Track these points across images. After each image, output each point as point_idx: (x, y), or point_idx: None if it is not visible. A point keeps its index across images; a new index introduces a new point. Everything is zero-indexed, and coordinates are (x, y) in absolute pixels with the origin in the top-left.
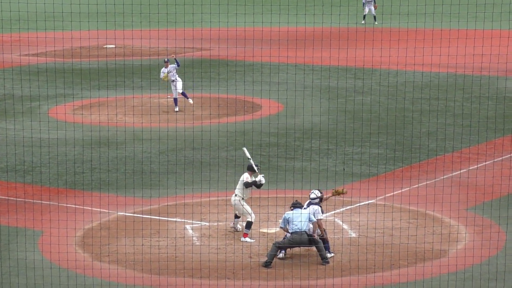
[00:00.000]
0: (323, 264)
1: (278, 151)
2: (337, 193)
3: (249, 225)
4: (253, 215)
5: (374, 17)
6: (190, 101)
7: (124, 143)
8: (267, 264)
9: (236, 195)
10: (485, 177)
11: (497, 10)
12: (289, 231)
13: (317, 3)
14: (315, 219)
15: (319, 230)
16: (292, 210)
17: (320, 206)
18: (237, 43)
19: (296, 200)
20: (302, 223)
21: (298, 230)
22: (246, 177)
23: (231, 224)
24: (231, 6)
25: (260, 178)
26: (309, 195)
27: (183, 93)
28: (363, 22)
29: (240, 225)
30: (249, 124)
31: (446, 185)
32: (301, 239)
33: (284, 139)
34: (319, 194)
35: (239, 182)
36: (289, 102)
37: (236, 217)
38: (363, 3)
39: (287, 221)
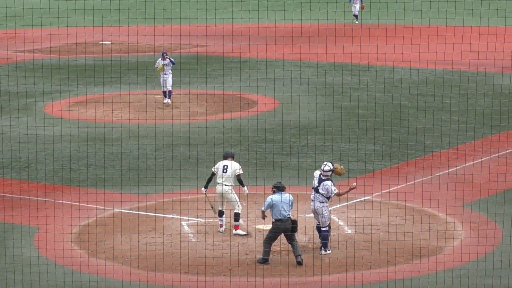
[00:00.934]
0: (298, 263)
1: (274, 147)
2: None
3: (238, 216)
4: (240, 205)
5: (356, 16)
6: (169, 102)
7: (120, 139)
8: (264, 261)
9: (226, 185)
10: (481, 174)
11: (493, 7)
12: (272, 217)
13: (313, 0)
14: (290, 213)
15: (324, 217)
16: (274, 193)
17: (331, 180)
18: (233, 40)
19: (279, 182)
20: (286, 210)
21: (282, 218)
22: (240, 168)
23: (221, 229)
24: (227, 2)
25: (246, 189)
26: (323, 168)
27: (169, 91)
28: (356, 22)
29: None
30: (245, 120)
31: (442, 181)
32: (285, 226)
33: (280, 136)
34: (331, 167)
35: (230, 171)
36: (285, 99)
37: (220, 215)
38: (350, 0)
39: (270, 206)
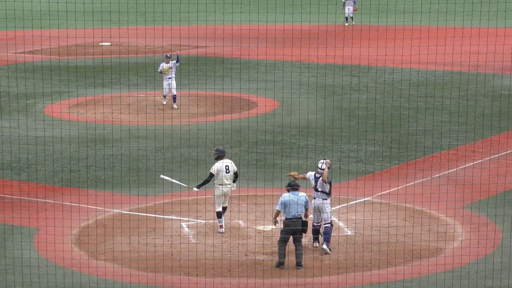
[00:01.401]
0: (297, 268)
1: (274, 148)
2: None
3: (225, 209)
4: None
5: (352, 18)
6: (175, 106)
7: (119, 140)
8: (279, 264)
9: (230, 184)
10: (481, 175)
11: (493, 8)
12: (284, 216)
13: (313, 2)
14: (309, 206)
15: (327, 213)
16: (288, 191)
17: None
18: (233, 41)
19: (293, 181)
20: (299, 207)
21: (292, 217)
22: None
23: (221, 230)
24: (227, 4)
25: (235, 185)
26: (320, 166)
27: (174, 96)
28: (346, 24)
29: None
30: (244, 121)
31: (442, 182)
32: (295, 226)
33: (279, 137)
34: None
35: (231, 172)
36: (284, 100)
37: (220, 215)
38: (343, 2)
39: (283, 205)
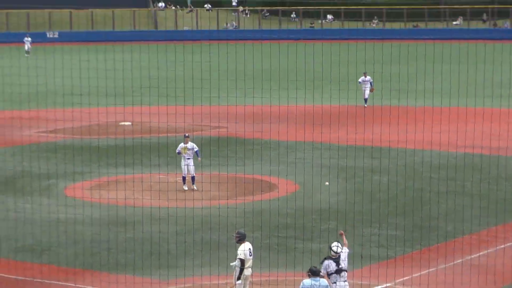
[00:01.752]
0: None
1: (295, 233)
2: None
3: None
4: None
5: (365, 100)
6: (195, 187)
7: (141, 223)
8: None
9: (250, 268)
10: (504, 261)
11: None
12: None
13: (334, 83)
14: None
15: None
16: (309, 277)
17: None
18: (254, 122)
19: (315, 267)
20: None
21: None
22: None
23: None
24: (248, 88)
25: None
26: (335, 250)
27: (193, 177)
28: (365, 105)
29: None
30: (265, 204)
31: (464, 269)
32: None
33: (300, 220)
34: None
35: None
36: (305, 182)
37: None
38: (359, 82)
39: None
